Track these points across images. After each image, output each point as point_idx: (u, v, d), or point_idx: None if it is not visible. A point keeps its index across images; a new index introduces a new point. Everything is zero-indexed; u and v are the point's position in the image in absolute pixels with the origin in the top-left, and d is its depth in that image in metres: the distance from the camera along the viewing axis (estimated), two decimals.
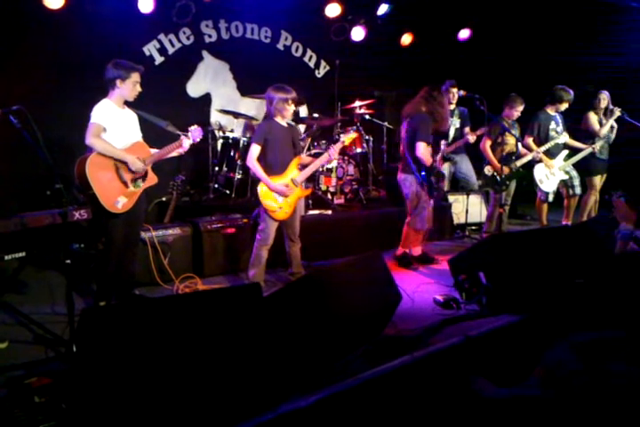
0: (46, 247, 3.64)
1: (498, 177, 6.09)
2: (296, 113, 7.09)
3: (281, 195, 4.59)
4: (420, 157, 5.00)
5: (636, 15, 7.58)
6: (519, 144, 6.26)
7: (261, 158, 4.61)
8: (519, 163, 6.20)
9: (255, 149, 4.56)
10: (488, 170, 6.23)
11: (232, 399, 2.43)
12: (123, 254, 4.15)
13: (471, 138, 6.40)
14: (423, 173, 5.05)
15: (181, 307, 2.50)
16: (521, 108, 6.27)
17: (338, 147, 4.85)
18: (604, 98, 6.56)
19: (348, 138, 4.93)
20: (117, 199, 3.91)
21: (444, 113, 5.11)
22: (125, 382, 2.17)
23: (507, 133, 6.15)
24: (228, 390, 2.43)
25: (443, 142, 5.51)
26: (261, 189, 4.57)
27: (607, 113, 6.59)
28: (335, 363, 3.14)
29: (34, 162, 4.80)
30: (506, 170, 6.08)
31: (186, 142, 4.22)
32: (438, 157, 5.38)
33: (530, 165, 6.36)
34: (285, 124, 4.71)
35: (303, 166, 4.75)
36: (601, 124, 6.55)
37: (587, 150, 6.44)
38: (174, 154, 4.28)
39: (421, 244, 5.58)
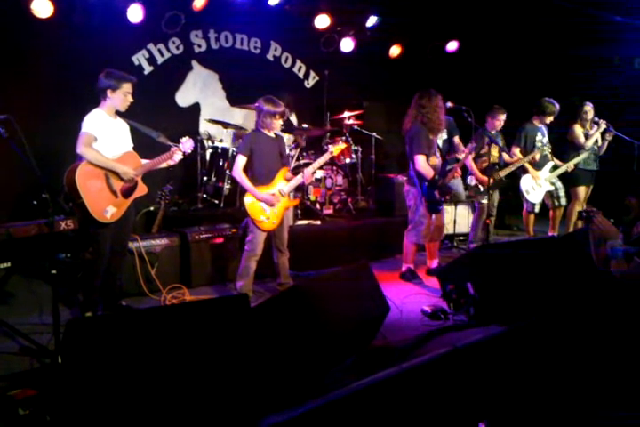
0: (32, 257, 3.61)
1: (481, 187, 6.13)
2: (290, 123, 7.14)
3: (268, 204, 4.58)
4: (419, 170, 4.91)
5: (622, 29, 7.69)
6: (504, 155, 6.31)
7: (248, 169, 4.62)
8: (503, 173, 6.23)
9: (241, 160, 4.57)
10: (471, 180, 6.29)
11: (220, 411, 2.42)
12: (110, 265, 4.12)
13: (464, 156, 6.35)
14: (424, 187, 4.95)
15: (169, 318, 2.48)
16: (502, 117, 6.30)
17: (327, 157, 4.88)
18: (590, 110, 6.61)
19: (336, 149, 4.93)
20: (107, 209, 3.88)
21: (437, 119, 4.94)
22: (111, 395, 2.15)
23: (492, 144, 6.20)
24: (217, 402, 2.41)
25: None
26: (248, 200, 4.57)
27: (593, 125, 6.65)
28: (323, 374, 3.13)
29: (20, 171, 4.80)
30: (490, 180, 6.11)
31: (177, 156, 4.19)
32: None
33: (515, 176, 6.40)
34: (272, 135, 4.72)
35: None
36: (587, 137, 6.60)
37: (564, 167, 6.46)
38: (164, 165, 4.25)
39: (437, 256, 5.45)
